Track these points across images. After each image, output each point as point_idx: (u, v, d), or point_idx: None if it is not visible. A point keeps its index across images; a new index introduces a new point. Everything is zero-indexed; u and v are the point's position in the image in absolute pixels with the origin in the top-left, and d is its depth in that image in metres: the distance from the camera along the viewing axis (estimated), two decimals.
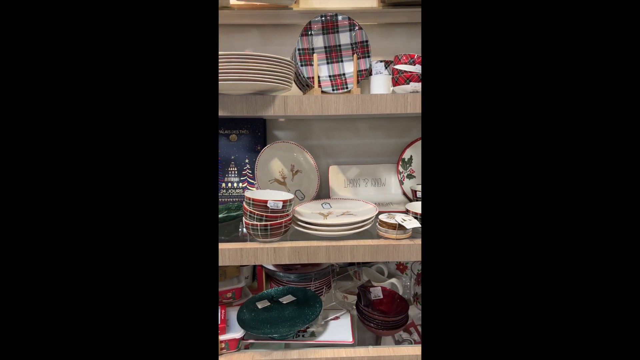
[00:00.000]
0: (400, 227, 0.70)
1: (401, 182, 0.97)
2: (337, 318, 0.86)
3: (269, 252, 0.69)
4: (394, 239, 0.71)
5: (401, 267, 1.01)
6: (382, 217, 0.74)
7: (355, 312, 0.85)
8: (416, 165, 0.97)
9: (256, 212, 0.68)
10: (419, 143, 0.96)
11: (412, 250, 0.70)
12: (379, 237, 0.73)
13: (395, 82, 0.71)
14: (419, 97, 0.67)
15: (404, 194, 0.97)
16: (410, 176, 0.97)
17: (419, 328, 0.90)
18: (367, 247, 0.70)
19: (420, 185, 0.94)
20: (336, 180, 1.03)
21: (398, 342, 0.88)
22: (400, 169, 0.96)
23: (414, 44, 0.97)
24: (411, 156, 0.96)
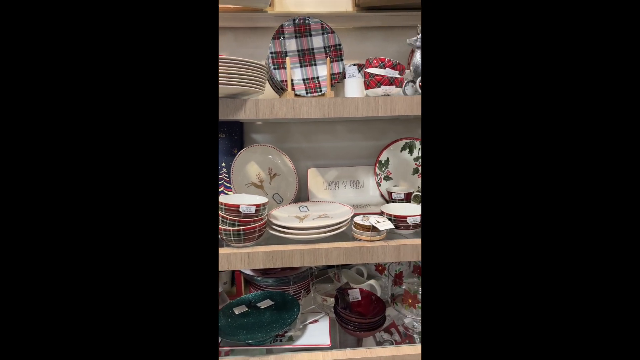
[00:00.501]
0: (374, 229, 0.71)
1: (378, 184, 0.97)
2: (315, 321, 0.86)
3: (242, 257, 0.68)
4: (368, 240, 0.72)
5: (380, 268, 1.02)
6: (357, 219, 0.74)
7: (334, 315, 0.85)
8: (393, 167, 0.98)
9: (229, 217, 0.67)
10: (395, 145, 0.97)
11: (385, 252, 0.71)
12: (354, 239, 0.74)
13: (367, 86, 0.72)
14: (389, 100, 0.68)
15: (382, 195, 0.98)
16: (387, 178, 0.98)
17: (400, 328, 0.90)
18: (341, 249, 0.70)
19: (396, 187, 0.95)
20: (315, 183, 1.03)
21: (379, 343, 0.89)
22: (377, 171, 0.97)
23: (388, 48, 0.99)
24: (387, 158, 0.97)
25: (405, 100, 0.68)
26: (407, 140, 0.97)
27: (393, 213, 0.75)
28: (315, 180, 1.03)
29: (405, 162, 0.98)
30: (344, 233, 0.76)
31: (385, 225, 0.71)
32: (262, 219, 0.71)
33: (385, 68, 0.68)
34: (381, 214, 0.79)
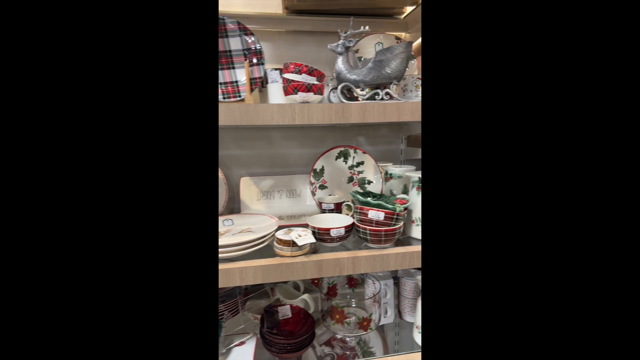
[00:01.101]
0: (294, 244, 0.67)
1: (313, 193, 0.94)
2: (242, 343, 0.80)
3: None
4: (288, 256, 0.67)
5: (316, 281, 0.98)
6: (279, 233, 0.69)
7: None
8: (328, 176, 0.95)
9: None
10: (330, 153, 0.94)
11: (306, 268, 0.66)
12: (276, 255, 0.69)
13: (286, 92, 0.68)
14: (307, 107, 0.64)
15: (318, 205, 0.95)
16: (322, 187, 0.95)
17: (341, 342, 0.87)
18: (257, 267, 0.65)
19: (329, 197, 0.92)
20: (248, 193, 0.97)
21: (320, 358, 0.85)
22: (313, 179, 0.94)
23: (321, 54, 0.96)
24: (323, 167, 0.94)
25: (324, 107, 0.65)
26: (342, 148, 0.94)
27: (317, 225, 0.71)
28: (248, 189, 0.97)
29: (340, 170, 0.96)
30: (269, 246, 0.71)
31: (305, 239, 0.66)
32: None
33: (301, 74, 0.65)
34: (306, 226, 0.74)
